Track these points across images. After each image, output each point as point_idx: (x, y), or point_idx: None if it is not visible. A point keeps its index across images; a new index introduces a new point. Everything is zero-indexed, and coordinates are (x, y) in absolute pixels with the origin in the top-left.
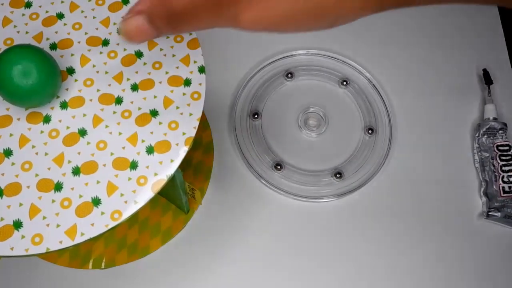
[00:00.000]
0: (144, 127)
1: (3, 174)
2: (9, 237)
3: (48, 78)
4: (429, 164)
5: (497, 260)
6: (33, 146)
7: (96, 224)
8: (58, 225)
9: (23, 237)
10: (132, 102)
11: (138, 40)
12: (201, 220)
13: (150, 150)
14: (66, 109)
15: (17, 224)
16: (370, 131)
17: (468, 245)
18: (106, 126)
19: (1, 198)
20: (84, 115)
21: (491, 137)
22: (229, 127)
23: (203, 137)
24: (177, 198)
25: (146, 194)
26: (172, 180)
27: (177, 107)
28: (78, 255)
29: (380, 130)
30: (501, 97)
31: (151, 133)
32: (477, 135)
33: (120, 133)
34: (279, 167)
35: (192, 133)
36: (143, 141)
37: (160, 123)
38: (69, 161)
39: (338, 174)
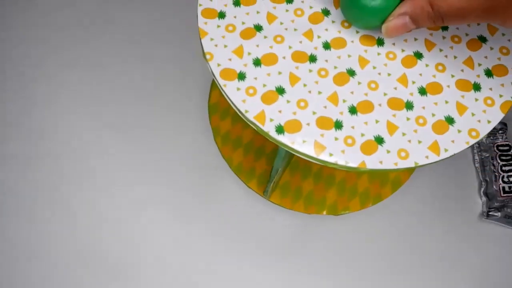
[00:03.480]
0: (477, 51)
1: (352, 93)
2: (374, 151)
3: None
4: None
5: (497, 260)
6: (374, 67)
7: (456, 141)
8: (419, 141)
9: (388, 151)
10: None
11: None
12: None
13: (488, 73)
14: None
15: (379, 140)
16: None
17: (468, 245)
18: (441, 50)
19: (356, 115)
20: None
21: (491, 137)
22: None
23: None
24: None
25: (496, 115)
26: None
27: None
28: (312, 202)
29: None
30: None
31: (485, 57)
32: None
33: (455, 57)
34: None
35: None
36: (479, 64)
37: (491, 48)
38: (413, 82)
39: None
